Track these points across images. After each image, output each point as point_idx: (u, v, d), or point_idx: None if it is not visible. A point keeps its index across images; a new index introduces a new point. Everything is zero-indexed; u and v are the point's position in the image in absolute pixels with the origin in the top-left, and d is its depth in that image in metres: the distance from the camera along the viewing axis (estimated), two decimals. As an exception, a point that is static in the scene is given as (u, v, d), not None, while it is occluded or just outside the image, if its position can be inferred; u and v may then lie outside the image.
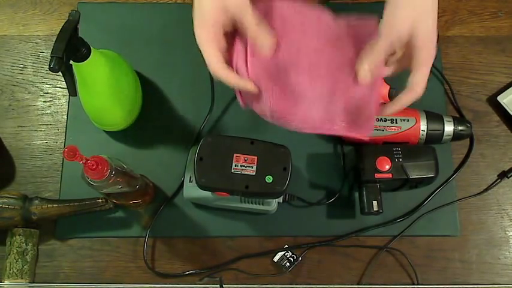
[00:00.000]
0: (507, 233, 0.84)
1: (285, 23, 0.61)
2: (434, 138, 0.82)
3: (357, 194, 0.82)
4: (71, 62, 0.68)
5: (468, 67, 0.91)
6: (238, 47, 0.60)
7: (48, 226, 0.82)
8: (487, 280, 0.81)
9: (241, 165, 0.68)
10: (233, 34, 0.61)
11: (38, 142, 0.87)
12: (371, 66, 0.58)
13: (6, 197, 0.78)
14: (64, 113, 0.89)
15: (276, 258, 0.81)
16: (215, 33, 0.59)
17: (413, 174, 0.77)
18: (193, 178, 0.76)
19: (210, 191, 0.72)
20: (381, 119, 0.81)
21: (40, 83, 0.90)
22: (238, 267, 0.81)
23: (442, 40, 0.92)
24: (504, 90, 0.88)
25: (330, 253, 0.82)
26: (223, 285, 0.76)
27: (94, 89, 0.77)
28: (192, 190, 0.77)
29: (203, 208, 0.83)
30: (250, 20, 0.58)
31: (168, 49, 0.91)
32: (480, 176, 0.86)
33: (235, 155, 0.68)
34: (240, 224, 0.83)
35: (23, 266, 0.79)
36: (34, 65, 0.91)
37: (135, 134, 0.87)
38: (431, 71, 0.89)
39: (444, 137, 0.82)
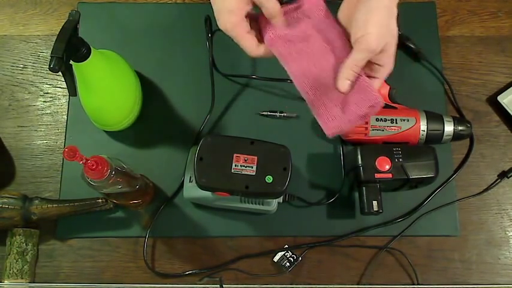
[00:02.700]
0: (507, 233, 0.84)
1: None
2: (434, 138, 0.82)
3: (357, 194, 0.82)
4: (71, 62, 0.68)
5: (468, 67, 0.91)
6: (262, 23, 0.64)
7: (48, 226, 0.82)
8: (487, 280, 0.81)
9: (241, 165, 0.68)
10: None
11: (38, 142, 0.87)
12: (349, 78, 0.60)
13: (6, 197, 0.78)
14: (64, 113, 0.89)
15: (276, 258, 0.81)
16: (241, 19, 0.62)
17: (413, 174, 0.77)
18: (193, 178, 0.76)
19: (210, 191, 0.72)
20: (381, 119, 0.81)
21: (40, 83, 0.90)
22: (238, 267, 0.81)
23: (442, 40, 0.92)
24: (504, 90, 0.88)
25: (330, 253, 0.82)
26: (223, 285, 0.77)
27: (94, 89, 0.77)
28: (192, 190, 0.77)
29: (203, 208, 0.83)
30: (271, 5, 0.61)
31: (168, 49, 0.91)
32: (480, 176, 0.86)
33: (235, 155, 0.68)
34: (240, 224, 0.83)
35: (23, 266, 0.79)
36: (34, 65, 0.91)
37: (135, 134, 0.87)
38: (431, 71, 0.90)
39: (444, 137, 0.82)
